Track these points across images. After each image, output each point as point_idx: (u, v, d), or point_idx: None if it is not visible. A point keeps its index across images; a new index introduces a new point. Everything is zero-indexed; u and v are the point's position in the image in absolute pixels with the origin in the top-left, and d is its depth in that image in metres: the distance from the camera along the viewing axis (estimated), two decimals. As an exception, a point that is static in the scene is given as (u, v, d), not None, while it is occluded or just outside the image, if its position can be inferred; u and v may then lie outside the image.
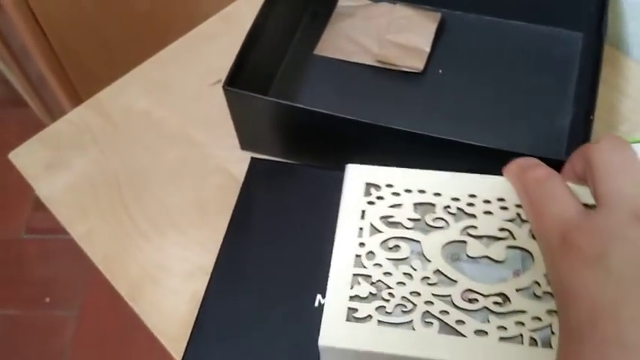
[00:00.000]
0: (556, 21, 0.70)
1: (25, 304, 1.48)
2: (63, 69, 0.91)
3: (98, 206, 0.64)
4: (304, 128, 0.59)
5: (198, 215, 0.62)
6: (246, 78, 0.60)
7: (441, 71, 0.69)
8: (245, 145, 0.64)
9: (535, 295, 0.39)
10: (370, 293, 0.40)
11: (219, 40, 0.74)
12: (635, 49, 0.71)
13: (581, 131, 0.55)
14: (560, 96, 0.66)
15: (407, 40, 0.69)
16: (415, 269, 0.41)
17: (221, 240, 0.57)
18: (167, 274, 0.59)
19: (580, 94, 0.63)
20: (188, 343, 0.51)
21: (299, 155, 0.62)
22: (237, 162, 0.64)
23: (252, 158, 0.60)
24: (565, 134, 0.63)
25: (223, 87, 0.56)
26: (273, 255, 0.54)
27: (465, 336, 0.38)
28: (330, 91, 0.68)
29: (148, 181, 0.65)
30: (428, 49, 0.69)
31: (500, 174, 0.41)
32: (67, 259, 1.51)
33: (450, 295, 0.39)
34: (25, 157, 0.68)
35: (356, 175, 0.45)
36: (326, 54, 0.70)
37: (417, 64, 0.68)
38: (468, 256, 0.41)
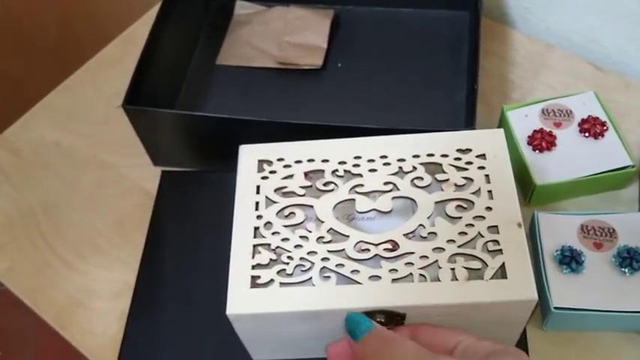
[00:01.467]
0: (443, 3, 0.74)
1: (-25, 362, 1.43)
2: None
3: (17, 242, 0.63)
4: (208, 135, 0.60)
5: (118, 235, 0.62)
6: (148, 95, 0.61)
7: (340, 65, 0.71)
8: (157, 160, 0.65)
9: (421, 236, 0.43)
10: (270, 259, 0.43)
11: (121, 63, 0.75)
12: (519, 21, 0.75)
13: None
14: (455, 73, 0.69)
15: (304, 39, 0.72)
16: (310, 231, 0.44)
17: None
18: (94, 297, 0.59)
19: (471, 68, 0.67)
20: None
21: (209, 162, 0.63)
22: (151, 178, 0.65)
23: (163, 171, 0.61)
24: (463, 106, 0.66)
25: (122, 106, 0.57)
26: (191, 260, 0.56)
27: (360, 283, 0.41)
28: (235, 98, 0.69)
29: (65, 209, 0.65)
30: (325, 45, 0.71)
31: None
32: (11, 309, 1.47)
33: (344, 250, 0.43)
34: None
35: (248, 155, 0.48)
36: (228, 62, 0.72)
37: (316, 60, 0.70)
38: (358, 212, 0.44)
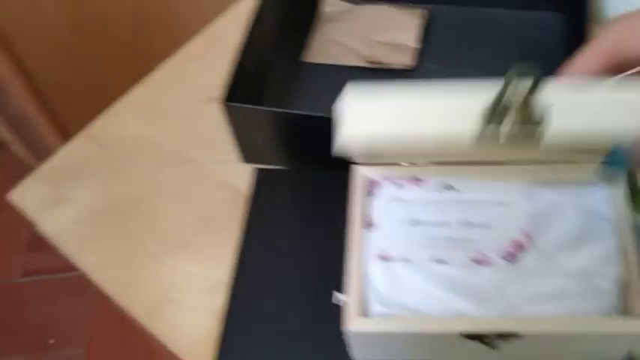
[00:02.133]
0: (537, 5, 0.72)
1: (29, 348, 1.45)
2: (46, 104, 0.90)
3: (105, 236, 0.63)
4: (305, 134, 0.59)
5: (206, 231, 0.62)
6: (239, 92, 0.60)
7: (431, 65, 0.69)
8: (246, 157, 0.64)
9: None
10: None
11: (204, 59, 0.75)
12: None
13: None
14: (548, 75, 0.67)
15: (393, 38, 0.70)
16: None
17: (232, 253, 0.58)
18: (183, 293, 0.58)
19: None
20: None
21: (301, 161, 0.62)
22: (238, 175, 0.64)
23: (258, 169, 0.60)
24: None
25: (222, 102, 0.56)
26: (288, 261, 0.54)
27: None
28: (323, 96, 0.68)
29: (152, 204, 0.64)
30: (416, 45, 0.69)
31: None
32: (68, 297, 1.49)
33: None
34: (26, 196, 0.67)
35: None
36: (314, 60, 0.71)
37: (407, 60, 0.69)
38: None
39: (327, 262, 0.50)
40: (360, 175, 0.49)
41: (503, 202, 0.47)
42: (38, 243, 0.65)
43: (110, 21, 0.89)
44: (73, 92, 0.94)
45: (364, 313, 0.44)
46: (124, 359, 1.40)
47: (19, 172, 0.69)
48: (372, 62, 0.69)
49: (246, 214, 0.58)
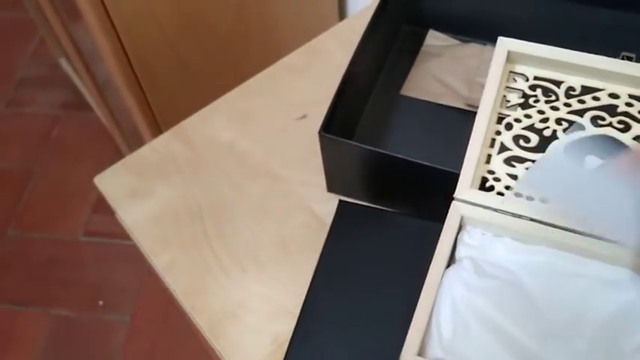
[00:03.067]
0: None
1: (79, 305, 1.50)
2: (144, 95, 0.92)
3: (180, 237, 0.64)
4: (394, 175, 0.58)
5: (280, 253, 0.62)
6: (338, 119, 0.59)
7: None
8: (332, 186, 0.63)
9: None
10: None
11: (304, 74, 0.74)
12: None
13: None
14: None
15: (497, 84, 0.68)
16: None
17: (303, 280, 0.57)
18: (248, 313, 0.59)
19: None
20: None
21: (385, 200, 0.61)
22: (321, 202, 0.64)
23: (341, 201, 0.59)
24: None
25: (319, 133, 0.56)
26: (360, 302, 0.54)
27: None
28: (418, 135, 0.67)
29: (230, 213, 0.65)
30: (519, 95, 0.67)
31: None
32: (123, 264, 1.53)
33: None
34: (110, 183, 0.68)
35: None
36: (413, 94, 0.70)
37: (508, 109, 0.66)
38: None
39: (398, 308, 0.50)
40: (458, 210, 0.48)
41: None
42: (104, 206, 0.66)
43: (211, 17, 0.90)
44: (171, 87, 0.95)
45: (423, 354, 0.43)
46: (164, 334, 1.43)
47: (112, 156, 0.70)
48: (472, 106, 0.67)
49: (324, 244, 0.57)
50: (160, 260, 0.63)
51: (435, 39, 0.73)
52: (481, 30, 0.71)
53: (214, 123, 0.72)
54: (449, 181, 0.53)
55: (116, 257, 1.55)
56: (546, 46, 0.51)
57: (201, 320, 0.59)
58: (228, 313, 0.59)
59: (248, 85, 0.75)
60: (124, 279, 1.53)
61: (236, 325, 0.58)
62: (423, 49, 0.73)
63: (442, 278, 0.46)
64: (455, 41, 0.73)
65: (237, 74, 0.78)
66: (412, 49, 0.73)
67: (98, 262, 1.57)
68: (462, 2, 0.70)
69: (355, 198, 0.62)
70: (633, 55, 0.61)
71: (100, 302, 1.51)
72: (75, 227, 1.62)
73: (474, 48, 0.72)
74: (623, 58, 0.61)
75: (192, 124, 0.72)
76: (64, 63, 1.66)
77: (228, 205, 0.66)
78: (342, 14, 1.06)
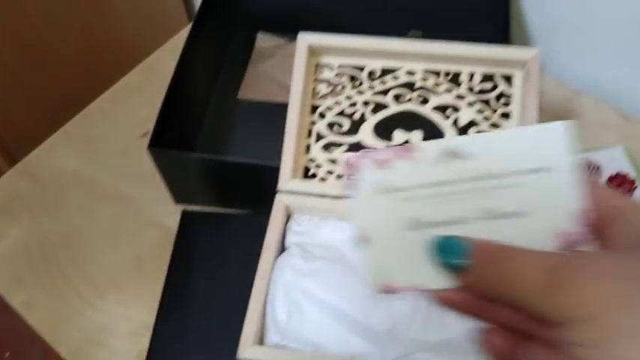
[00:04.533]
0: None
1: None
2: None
3: (35, 274, 0.63)
4: (229, 178, 0.60)
5: (136, 272, 0.62)
6: (172, 131, 0.60)
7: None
8: (177, 198, 0.65)
9: None
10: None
11: (143, 92, 0.75)
12: (549, 64, 0.74)
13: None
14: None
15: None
16: None
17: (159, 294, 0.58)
18: (110, 336, 0.59)
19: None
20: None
21: (228, 203, 0.63)
22: (171, 214, 0.64)
23: (184, 211, 0.60)
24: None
25: (148, 148, 0.57)
26: (212, 303, 0.55)
27: None
28: (258, 135, 0.69)
29: (83, 242, 0.65)
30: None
31: None
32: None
33: None
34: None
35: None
36: (251, 97, 0.72)
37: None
38: None
39: (245, 303, 0.52)
40: (282, 201, 0.51)
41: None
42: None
43: (50, 42, 0.89)
44: (19, 118, 0.92)
45: (261, 341, 0.45)
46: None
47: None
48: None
49: (171, 255, 0.58)
50: (16, 300, 0.62)
51: (265, 40, 0.76)
52: (305, 26, 0.73)
53: (58, 153, 0.71)
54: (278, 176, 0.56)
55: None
56: (344, 35, 0.54)
57: (63, 351, 0.59)
58: (90, 340, 0.59)
59: (90, 109, 0.75)
60: (27, 326, 1.47)
61: (99, 350, 0.58)
62: (255, 51, 0.75)
63: (273, 267, 0.49)
64: (283, 40, 0.75)
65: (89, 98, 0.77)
66: (245, 52, 0.75)
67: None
68: (282, 2, 0.73)
69: (202, 205, 0.64)
70: (420, 33, 0.65)
71: (7, 354, 1.45)
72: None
73: (303, 44, 0.74)
74: (411, 37, 0.66)
75: (37, 157, 0.71)
76: None
77: (80, 233, 0.65)
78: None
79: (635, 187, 0.59)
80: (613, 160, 0.61)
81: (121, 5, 0.98)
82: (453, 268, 0.28)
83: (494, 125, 0.53)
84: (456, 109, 0.53)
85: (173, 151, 0.57)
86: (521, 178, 0.28)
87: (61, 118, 0.74)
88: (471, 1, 0.69)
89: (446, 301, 0.29)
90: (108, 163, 0.70)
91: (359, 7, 0.69)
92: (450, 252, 0.28)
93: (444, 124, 0.53)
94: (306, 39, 0.55)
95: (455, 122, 0.53)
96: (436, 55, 0.53)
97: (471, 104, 0.53)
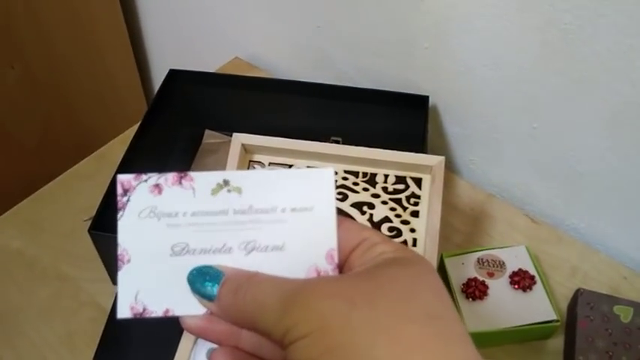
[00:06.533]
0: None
1: None
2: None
3: (-33, 349, 0.65)
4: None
5: (67, 350, 0.64)
6: (114, 216, 0.64)
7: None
8: (116, 280, 0.68)
9: None
10: None
11: (93, 179, 0.79)
12: (464, 171, 0.82)
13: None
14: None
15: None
16: None
17: (90, 373, 0.60)
18: (35, 413, 0.60)
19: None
20: None
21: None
22: (108, 295, 0.68)
23: (117, 294, 0.64)
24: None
25: (89, 231, 0.61)
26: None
27: None
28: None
29: (18, 320, 0.67)
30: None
31: None
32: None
33: None
34: None
35: None
36: (194, 187, 0.77)
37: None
38: None
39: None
40: None
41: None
42: None
43: (12, 129, 0.94)
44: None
45: None
46: None
47: None
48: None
49: (102, 333, 0.61)
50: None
51: (211, 137, 0.82)
52: (245, 127, 0.81)
53: (4, 233, 0.75)
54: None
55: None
56: (273, 137, 0.60)
57: None
58: (14, 417, 0.60)
59: (41, 192, 0.79)
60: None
61: None
62: (202, 147, 0.81)
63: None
64: (228, 137, 0.82)
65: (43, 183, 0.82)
66: (193, 148, 0.81)
67: None
68: (226, 105, 0.81)
69: (136, 287, 0.67)
70: (339, 139, 0.73)
71: None
72: None
73: (246, 142, 0.81)
74: (332, 142, 0.73)
75: (-19, 237, 0.74)
76: None
77: (16, 312, 0.68)
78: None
79: (535, 283, 0.65)
80: (516, 258, 0.67)
81: (84, 99, 1.05)
82: (205, 296, 0.29)
83: (405, 222, 0.59)
84: (371, 207, 0.59)
85: (113, 235, 0.61)
86: (284, 215, 0.30)
87: (13, 199, 0.78)
88: (390, 124, 0.78)
89: (192, 329, 0.30)
90: (51, 245, 0.73)
91: (296, 113, 0.77)
92: (204, 280, 0.29)
93: (360, 219, 0.59)
94: (239, 138, 0.61)
95: (370, 218, 0.59)
96: (355, 158, 0.60)
97: (384, 202, 0.59)
